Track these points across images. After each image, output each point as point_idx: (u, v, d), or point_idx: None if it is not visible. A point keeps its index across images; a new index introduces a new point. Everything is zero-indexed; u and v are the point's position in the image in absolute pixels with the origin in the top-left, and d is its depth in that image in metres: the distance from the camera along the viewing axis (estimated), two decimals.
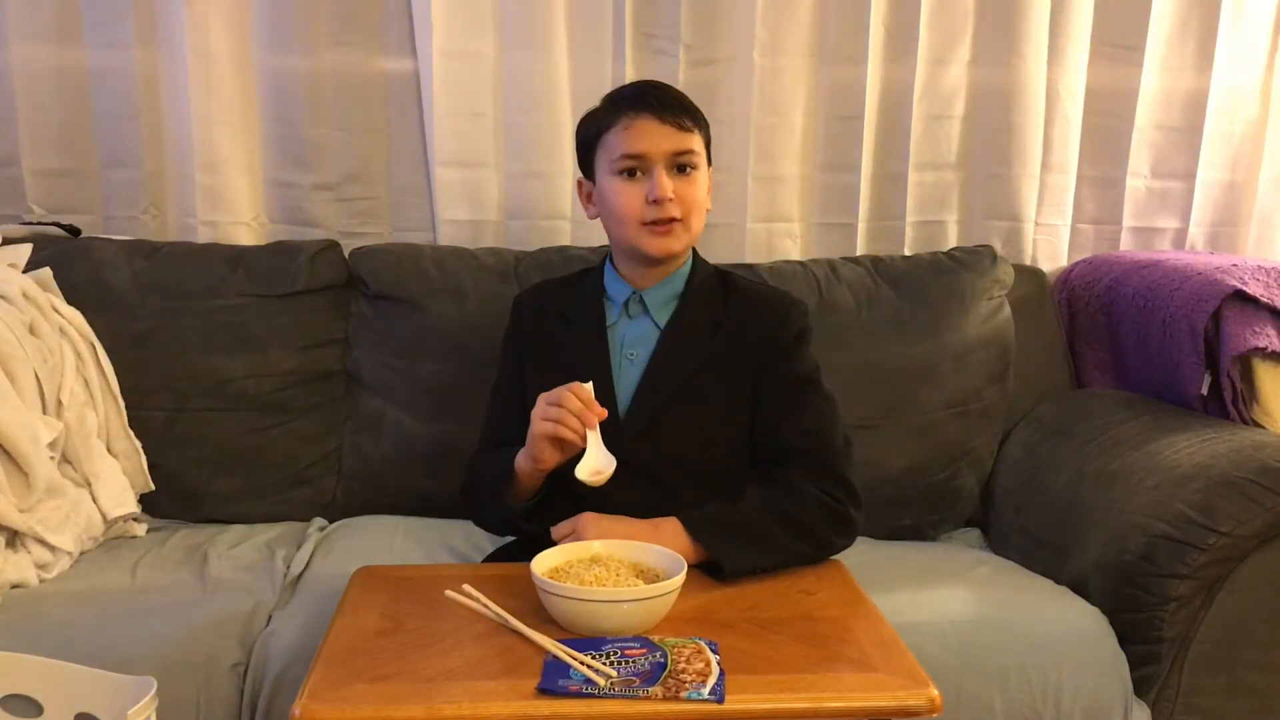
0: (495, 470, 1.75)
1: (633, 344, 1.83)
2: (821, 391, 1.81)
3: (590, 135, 1.83)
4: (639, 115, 1.75)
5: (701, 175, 1.80)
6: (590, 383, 1.63)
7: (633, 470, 1.64)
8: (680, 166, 1.77)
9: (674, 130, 1.75)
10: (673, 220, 1.76)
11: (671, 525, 1.63)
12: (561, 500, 1.69)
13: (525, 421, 1.71)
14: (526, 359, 1.89)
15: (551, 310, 1.91)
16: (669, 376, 1.79)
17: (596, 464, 1.58)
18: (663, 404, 1.78)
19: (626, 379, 1.81)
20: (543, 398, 1.62)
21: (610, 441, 1.63)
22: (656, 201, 1.74)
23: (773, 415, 1.79)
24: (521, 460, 1.67)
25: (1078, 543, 2.03)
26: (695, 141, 1.77)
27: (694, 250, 1.88)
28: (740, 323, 1.83)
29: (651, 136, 1.74)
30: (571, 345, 1.85)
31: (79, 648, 1.58)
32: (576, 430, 1.59)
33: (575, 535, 1.60)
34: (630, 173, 1.77)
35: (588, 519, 1.63)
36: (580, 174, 1.90)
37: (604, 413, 1.60)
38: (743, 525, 1.64)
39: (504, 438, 1.83)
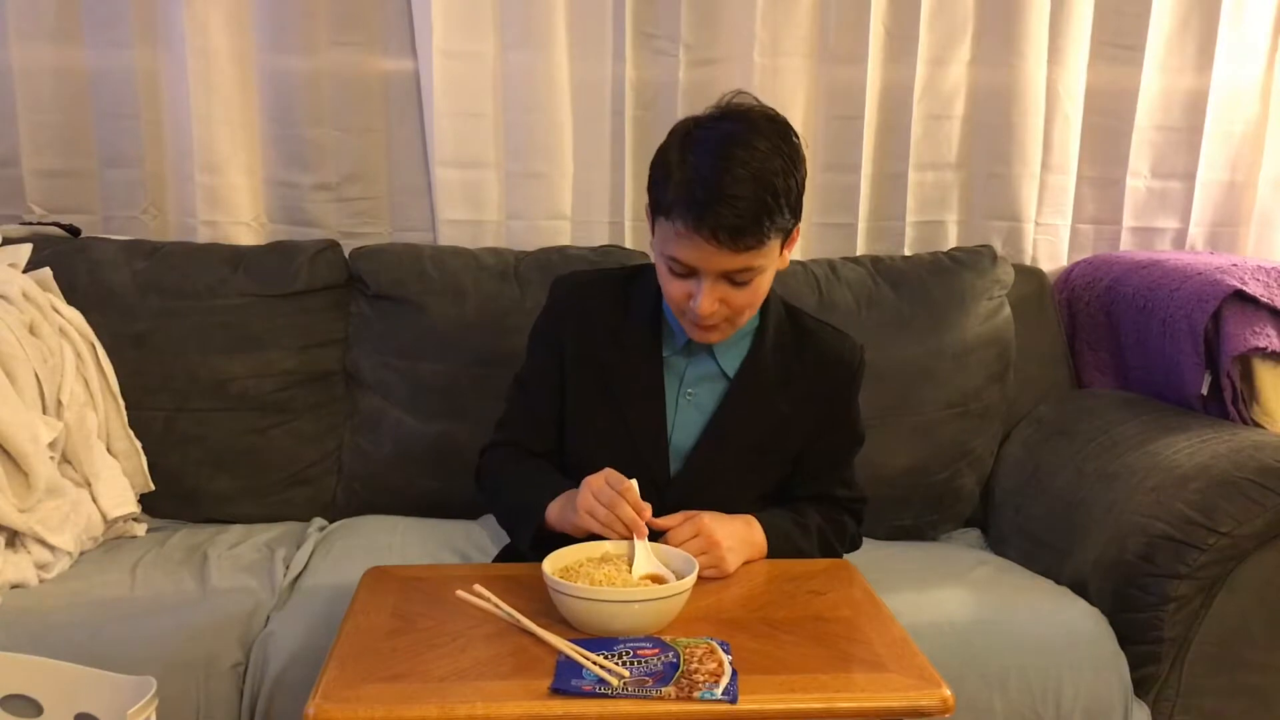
0: (520, 502, 1.71)
1: (692, 383, 1.73)
2: (862, 443, 1.86)
3: (656, 192, 1.59)
4: (695, 232, 1.51)
5: (762, 279, 1.59)
6: (635, 480, 1.55)
7: (676, 503, 1.63)
8: (735, 281, 1.58)
9: (730, 254, 1.52)
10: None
11: (758, 528, 1.67)
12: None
13: (554, 421, 1.76)
14: (568, 362, 1.76)
15: (600, 321, 1.75)
16: (737, 435, 1.73)
17: (651, 570, 1.51)
18: (724, 462, 1.73)
19: (684, 419, 1.73)
20: (591, 489, 1.55)
21: (658, 486, 1.64)
22: (695, 313, 1.60)
23: (824, 464, 1.82)
24: (556, 519, 1.62)
25: (1078, 543, 2.04)
26: (758, 256, 1.55)
27: None
28: (812, 378, 1.75)
29: (704, 255, 1.53)
30: (623, 369, 1.73)
31: (79, 648, 1.58)
32: (623, 535, 1.52)
33: (701, 535, 1.58)
34: (678, 273, 1.59)
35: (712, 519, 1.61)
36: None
37: (651, 521, 1.53)
38: (801, 549, 1.72)
39: (528, 437, 1.80)
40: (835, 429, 1.80)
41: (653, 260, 1.67)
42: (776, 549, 1.67)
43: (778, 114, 1.60)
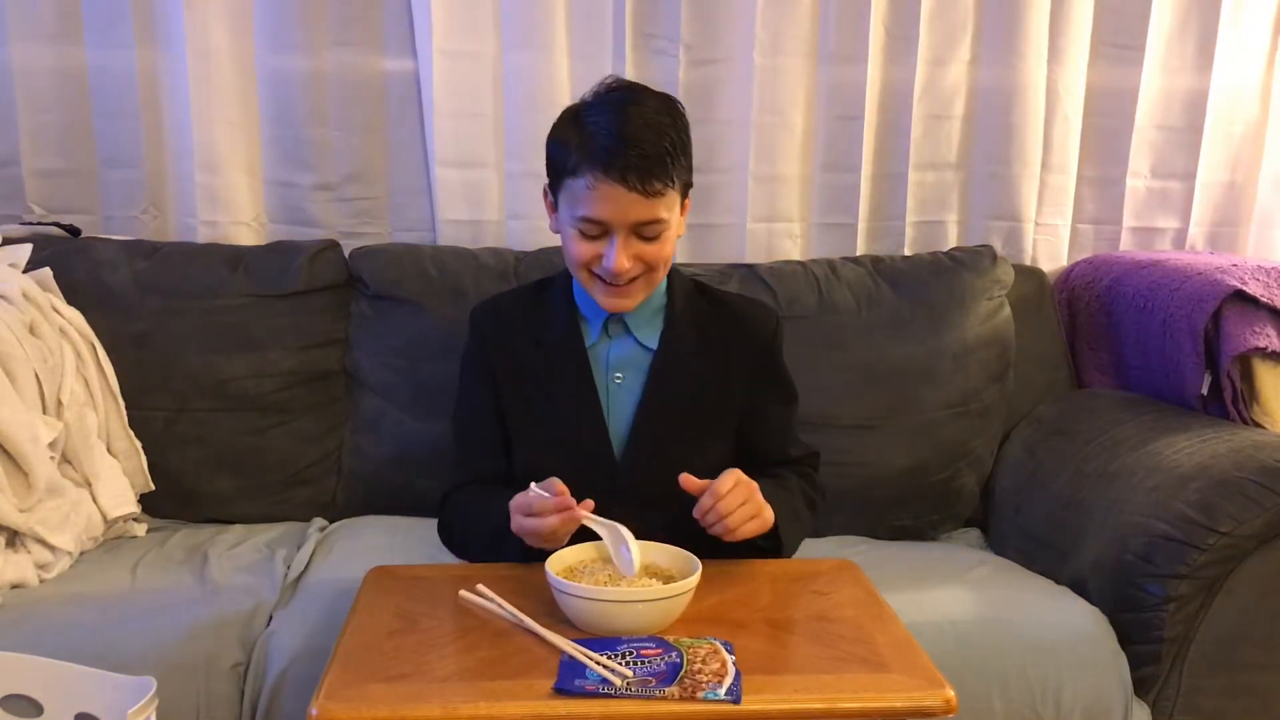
0: (489, 532, 1.66)
1: (619, 366, 1.76)
2: (798, 404, 1.88)
3: (557, 164, 1.67)
4: (605, 178, 1.57)
5: (669, 234, 1.65)
6: (552, 478, 1.51)
7: (631, 498, 1.61)
8: (645, 236, 1.63)
9: (640, 199, 1.58)
10: (629, 281, 1.67)
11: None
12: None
13: (503, 449, 1.77)
14: (499, 382, 1.79)
15: (519, 329, 1.80)
16: (668, 406, 1.75)
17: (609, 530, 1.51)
18: (663, 434, 1.74)
19: (617, 404, 1.75)
20: (517, 511, 1.52)
21: (607, 472, 1.66)
22: (609, 271, 1.63)
23: (773, 431, 1.85)
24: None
25: (1078, 543, 2.04)
26: (663, 207, 1.61)
27: None
28: (727, 339, 1.79)
29: (616, 205, 1.59)
30: (550, 370, 1.76)
31: (79, 648, 1.57)
32: (569, 533, 1.51)
33: (740, 483, 1.55)
34: (589, 234, 1.64)
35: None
36: (547, 180, 1.75)
37: (589, 504, 1.51)
38: (798, 513, 1.73)
39: (482, 471, 1.80)
40: (768, 391, 1.83)
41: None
42: (784, 514, 1.63)
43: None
